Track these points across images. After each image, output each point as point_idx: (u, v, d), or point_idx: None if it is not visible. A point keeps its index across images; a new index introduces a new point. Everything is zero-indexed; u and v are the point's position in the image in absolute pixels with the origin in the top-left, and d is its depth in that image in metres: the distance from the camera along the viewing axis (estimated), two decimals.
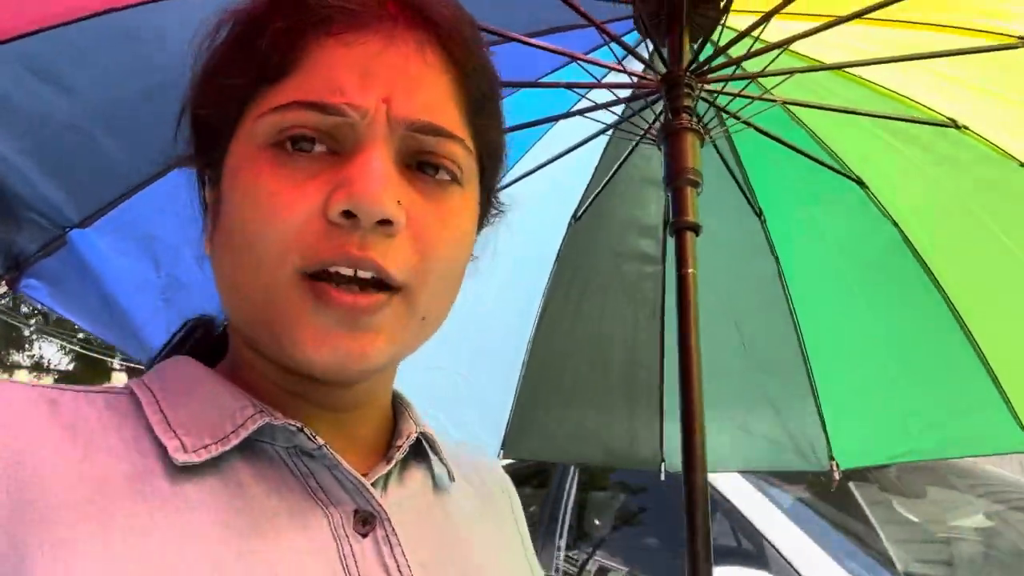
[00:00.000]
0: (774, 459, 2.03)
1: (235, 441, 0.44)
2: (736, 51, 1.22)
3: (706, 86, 1.22)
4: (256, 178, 0.44)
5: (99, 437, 0.43)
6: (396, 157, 0.45)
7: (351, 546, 0.45)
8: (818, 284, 1.76)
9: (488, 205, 0.56)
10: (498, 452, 2.01)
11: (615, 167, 1.51)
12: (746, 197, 1.61)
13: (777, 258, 1.75)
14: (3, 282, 1.25)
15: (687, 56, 1.19)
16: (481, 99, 0.50)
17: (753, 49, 1.18)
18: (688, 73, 1.19)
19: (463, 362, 1.96)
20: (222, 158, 0.48)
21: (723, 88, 1.21)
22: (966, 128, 1.35)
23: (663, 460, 2.07)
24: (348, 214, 0.42)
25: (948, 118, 1.35)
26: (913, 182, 1.50)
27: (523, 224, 1.79)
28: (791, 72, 1.22)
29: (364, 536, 0.46)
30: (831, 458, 1.94)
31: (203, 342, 0.55)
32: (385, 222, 0.43)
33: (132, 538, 0.39)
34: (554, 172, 1.66)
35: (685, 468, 1.01)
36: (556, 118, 1.38)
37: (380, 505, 0.47)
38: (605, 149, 1.63)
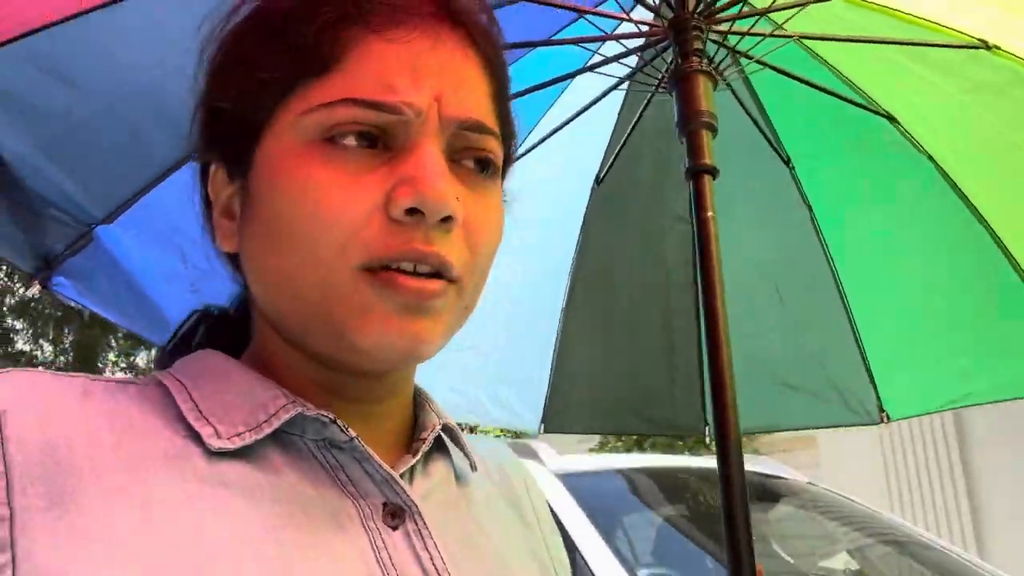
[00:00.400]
0: (821, 415, 1.98)
1: (268, 430, 0.45)
2: None
3: (717, 27, 1.19)
4: (307, 173, 0.44)
5: (135, 422, 0.44)
6: (445, 153, 0.46)
7: (383, 539, 0.45)
8: (854, 229, 1.71)
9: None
10: (538, 428, 2.00)
11: (632, 124, 1.47)
12: (772, 145, 1.56)
13: (809, 205, 1.70)
14: (36, 282, 1.28)
15: None
16: (504, 90, 0.52)
17: None
18: (696, 15, 1.16)
19: (498, 338, 1.95)
20: (249, 151, 0.47)
21: (730, 28, 1.17)
22: (997, 48, 1.28)
23: (707, 424, 2.03)
24: (413, 211, 0.43)
25: (977, 39, 1.29)
26: (946, 113, 1.44)
27: (546, 191, 1.79)
28: (803, 4, 1.17)
29: (394, 529, 0.46)
30: (881, 409, 1.88)
31: (217, 334, 0.55)
32: (447, 218, 0.44)
33: (172, 516, 0.40)
34: (573, 135, 1.63)
35: (717, 428, 0.98)
36: (566, 77, 1.35)
37: (410, 498, 0.47)
38: (621, 108, 1.60)
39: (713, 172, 1.08)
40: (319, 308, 0.45)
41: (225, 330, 0.55)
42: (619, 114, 1.60)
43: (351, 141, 0.44)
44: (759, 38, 1.25)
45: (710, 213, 1.05)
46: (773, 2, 1.14)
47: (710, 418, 2.02)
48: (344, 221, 0.43)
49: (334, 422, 0.46)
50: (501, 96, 0.51)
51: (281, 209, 0.45)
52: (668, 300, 1.88)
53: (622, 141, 1.54)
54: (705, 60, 1.13)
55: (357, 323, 0.44)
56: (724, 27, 1.20)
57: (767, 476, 2.81)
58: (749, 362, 1.95)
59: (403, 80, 0.45)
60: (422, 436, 0.52)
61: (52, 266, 1.27)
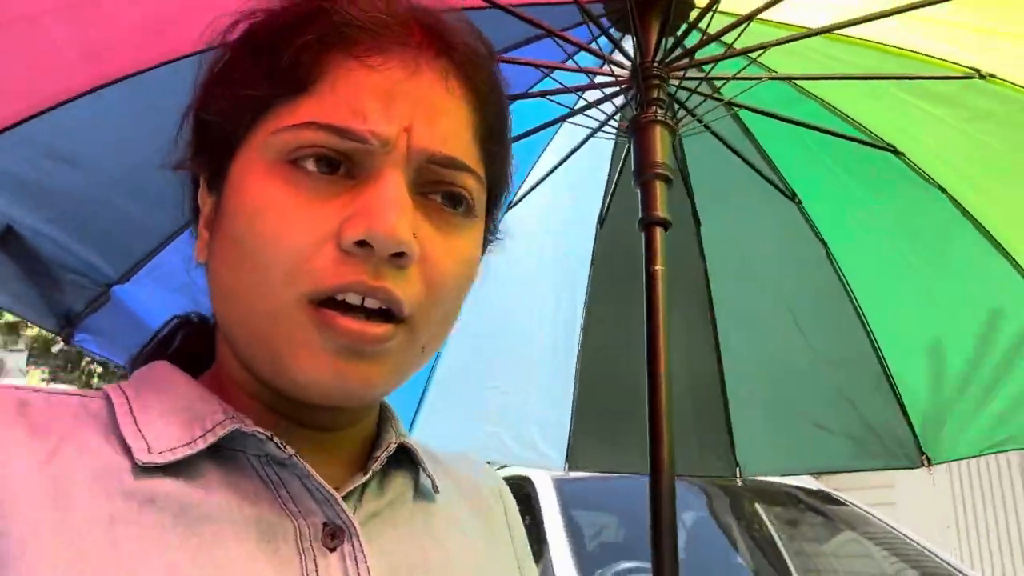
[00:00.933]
0: (858, 458, 1.88)
1: (202, 446, 0.44)
2: (711, 32, 1.17)
3: (676, 74, 1.18)
4: (267, 195, 0.44)
5: (68, 437, 0.43)
6: (411, 186, 0.45)
7: (315, 561, 0.44)
8: (873, 263, 1.63)
9: (489, 232, 0.56)
10: (563, 466, 2.00)
11: (619, 169, 1.47)
12: (772, 183, 1.52)
13: (823, 241, 1.63)
14: (60, 337, 1.41)
15: (651, 47, 1.16)
16: (495, 128, 0.50)
17: (707, 31, 1.13)
18: (656, 64, 1.16)
19: (519, 378, 1.96)
20: (226, 166, 0.47)
21: (684, 75, 1.16)
22: (992, 76, 1.21)
23: (738, 465, 1.97)
24: (362, 244, 0.42)
25: (970, 68, 1.22)
26: (951, 144, 1.36)
27: (556, 234, 1.79)
28: (765, 47, 1.15)
29: (332, 550, 0.45)
30: (921, 452, 1.77)
31: (188, 345, 0.55)
32: (399, 254, 0.43)
33: (92, 539, 0.39)
34: (576, 179, 1.65)
35: (651, 473, 0.97)
36: (544, 127, 1.37)
37: (350, 518, 0.46)
38: (613, 151, 1.60)
39: (664, 224, 1.07)
40: (263, 334, 0.44)
41: (203, 340, 0.54)
42: (612, 155, 1.60)
43: (311, 165, 0.44)
44: (736, 80, 1.23)
45: (658, 267, 1.05)
46: (735, 40, 1.12)
47: (740, 458, 1.98)
48: (295, 247, 0.42)
49: (271, 439, 0.45)
50: (488, 132, 0.49)
51: (239, 227, 0.45)
52: (687, 338, 1.85)
53: (614, 185, 1.54)
54: (662, 110, 1.12)
55: (294, 357, 0.43)
56: (688, 72, 1.19)
57: (826, 499, 2.76)
58: (778, 403, 1.90)
59: (374, 108, 0.44)
60: (376, 455, 0.51)
61: (73, 324, 1.39)
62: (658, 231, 1.07)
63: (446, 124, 0.46)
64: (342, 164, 0.44)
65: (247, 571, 0.42)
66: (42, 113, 1.10)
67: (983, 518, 5.24)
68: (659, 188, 1.09)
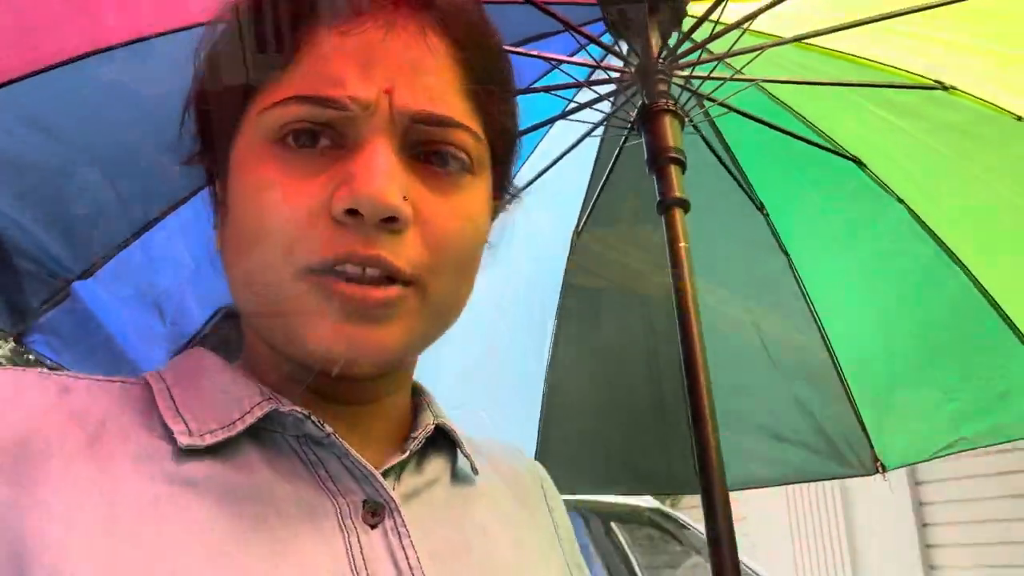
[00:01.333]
0: (814, 468, 1.93)
1: (241, 427, 0.44)
2: (702, 37, 1.23)
3: (681, 72, 1.23)
4: (259, 175, 0.44)
5: (109, 421, 0.43)
6: (401, 149, 0.44)
7: (359, 537, 0.44)
8: (833, 274, 1.72)
9: (502, 190, 0.55)
10: None
11: (606, 172, 1.51)
12: (745, 192, 1.59)
13: (786, 252, 1.71)
14: (11, 339, 1.27)
15: (656, 46, 1.20)
16: (485, 79, 0.49)
17: (715, 32, 1.19)
18: (660, 60, 1.20)
19: (483, 397, 1.93)
20: (227, 154, 0.48)
21: (691, 73, 1.21)
22: (954, 88, 1.33)
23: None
24: (352, 212, 0.42)
25: (934, 80, 1.33)
26: (912, 154, 1.47)
27: (528, 245, 1.80)
28: (760, 48, 1.22)
29: (373, 527, 0.45)
30: (875, 460, 1.85)
31: (225, 334, 0.55)
32: (391, 219, 0.42)
33: (135, 517, 0.39)
34: (551, 189, 1.66)
35: (702, 479, 0.96)
36: (544, 123, 1.39)
37: (390, 495, 0.46)
38: (596, 159, 1.63)
39: (684, 205, 1.10)
40: (273, 310, 0.45)
41: (238, 327, 0.55)
42: (594, 165, 1.64)
43: (300, 140, 0.44)
44: (722, 83, 1.29)
45: (683, 243, 1.06)
46: (731, 47, 1.18)
47: None
48: (289, 223, 0.43)
49: (308, 417, 0.45)
50: (478, 85, 0.48)
51: (239, 210, 0.45)
52: (655, 348, 1.87)
53: (596, 193, 1.57)
54: (671, 101, 1.16)
55: (304, 327, 0.43)
56: (686, 72, 1.24)
57: (668, 519, 2.92)
58: (737, 413, 1.93)
59: (351, 73, 0.43)
60: (413, 435, 0.51)
61: (27, 321, 1.26)
62: (677, 211, 1.09)
63: (428, 81, 0.45)
64: (327, 135, 0.44)
65: (292, 551, 0.42)
66: (31, 75, 1.02)
67: (816, 531, 5.55)
68: (674, 171, 1.11)
